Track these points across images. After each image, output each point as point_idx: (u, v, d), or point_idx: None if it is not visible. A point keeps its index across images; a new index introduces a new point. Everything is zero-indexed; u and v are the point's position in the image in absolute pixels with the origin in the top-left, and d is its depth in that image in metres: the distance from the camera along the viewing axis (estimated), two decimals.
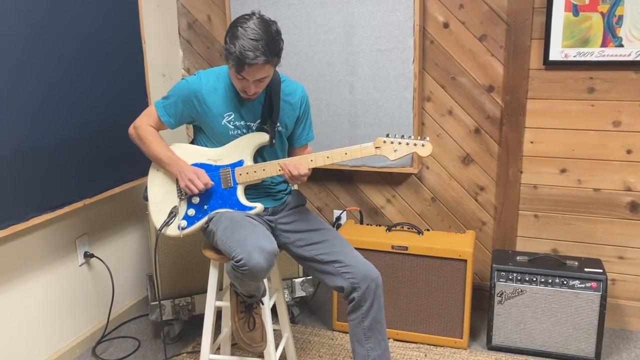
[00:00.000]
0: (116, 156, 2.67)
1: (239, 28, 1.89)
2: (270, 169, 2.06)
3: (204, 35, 3.23)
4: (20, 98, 2.21)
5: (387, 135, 2.02)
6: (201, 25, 3.23)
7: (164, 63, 3.14)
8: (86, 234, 2.71)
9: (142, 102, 2.84)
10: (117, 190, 2.72)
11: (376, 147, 2.01)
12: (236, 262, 1.85)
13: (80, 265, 2.70)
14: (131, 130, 2.19)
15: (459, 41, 2.77)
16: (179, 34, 3.28)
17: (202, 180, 2.06)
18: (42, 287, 2.50)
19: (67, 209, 2.46)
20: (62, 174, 2.41)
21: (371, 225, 2.90)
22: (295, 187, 2.52)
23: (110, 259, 2.84)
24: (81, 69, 2.48)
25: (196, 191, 2.07)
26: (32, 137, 2.27)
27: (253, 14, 1.94)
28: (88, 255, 2.71)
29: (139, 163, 2.79)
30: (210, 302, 2.16)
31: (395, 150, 2.01)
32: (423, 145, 2.00)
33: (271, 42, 1.90)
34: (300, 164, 2.03)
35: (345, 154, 2.02)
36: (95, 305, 2.80)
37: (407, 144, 2.00)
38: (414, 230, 2.76)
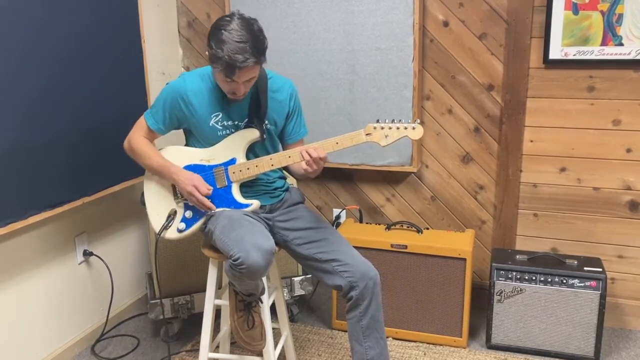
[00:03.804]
0: (115, 154, 2.66)
1: (223, 32, 1.87)
2: (263, 164, 2.06)
3: (203, 34, 3.23)
4: (19, 96, 2.21)
5: (377, 121, 1.98)
6: (201, 24, 3.22)
7: (163, 61, 3.14)
8: (85, 232, 2.71)
9: (141, 101, 2.84)
10: (116, 188, 2.72)
11: (367, 134, 1.98)
12: (234, 260, 1.85)
13: (79, 264, 2.70)
14: (125, 144, 2.19)
15: (458, 40, 2.77)
16: (179, 32, 3.27)
17: (202, 191, 2.03)
18: (41, 286, 2.50)
19: (66, 207, 2.45)
20: (61, 172, 2.41)
21: (370, 224, 2.90)
22: (294, 184, 2.51)
23: (110, 257, 2.84)
24: (80, 68, 2.47)
25: (198, 204, 2.06)
26: (31, 135, 2.27)
27: (233, 14, 1.92)
28: (87, 254, 2.71)
29: None
30: (210, 301, 2.16)
31: (386, 136, 1.97)
32: (414, 128, 1.95)
33: (257, 42, 1.89)
34: (321, 147, 1.99)
35: (337, 143, 1.99)
36: (94, 303, 2.80)
37: (398, 128, 1.96)
38: (413, 229, 2.76)
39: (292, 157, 2.03)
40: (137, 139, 2.15)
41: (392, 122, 1.97)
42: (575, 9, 2.53)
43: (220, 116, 2.08)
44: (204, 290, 2.23)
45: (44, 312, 2.52)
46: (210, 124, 2.08)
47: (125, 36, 2.73)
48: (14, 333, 2.38)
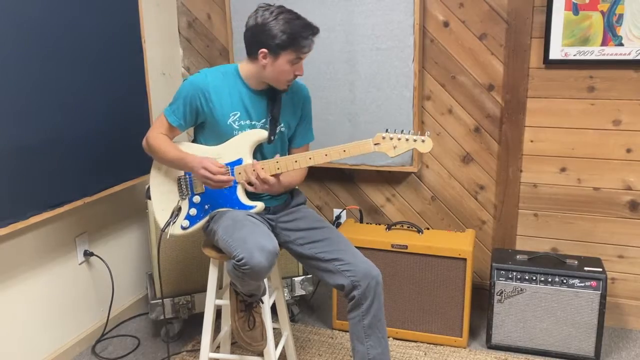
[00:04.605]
0: (116, 154, 2.67)
1: (275, 20, 1.94)
2: (270, 167, 2.05)
3: (203, 34, 3.23)
4: (19, 96, 2.21)
5: (387, 131, 1.96)
6: (201, 24, 3.22)
7: (164, 61, 3.14)
8: (86, 232, 2.71)
9: (142, 101, 2.84)
10: (117, 188, 2.72)
11: (375, 144, 1.97)
12: (237, 261, 1.85)
13: (80, 264, 2.70)
14: (143, 142, 2.17)
15: (459, 40, 2.77)
16: (179, 32, 3.28)
17: (213, 170, 1.99)
18: (42, 286, 2.50)
19: (67, 207, 2.45)
20: (62, 173, 2.41)
21: (371, 224, 2.90)
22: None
23: (110, 257, 2.84)
24: (81, 68, 2.47)
25: (220, 183, 2.03)
26: (32, 135, 2.26)
27: (263, 7, 1.99)
28: (88, 254, 2.71)
29: (139, 161, 2.79)
30: (210, 301, 2.16)
31: (394, 147, 1.96)
32: (423, 141, 1.94)
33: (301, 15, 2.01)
34: (267, 168, 2.00)
35: (344, 151, 1.98)
36: (95, 303, 2.80)
37: (407, 139, 1.94)
38: (413, 229, 2.76)
39: (299, 162, 2.02)
40: (154, 136, 2.12)
41: (401, 133, 1.95)
42: (576, 9, 2.54)
43: (238, 115, 2.07)
44: (204, 290, 2.23)
45: (44, 312, 2.52)
46: (228, 122, 2.07)
47: (126, 36, 2.73)
48: (15, 333, 2.38)
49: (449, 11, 2.76)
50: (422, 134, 1.96)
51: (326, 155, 2.00)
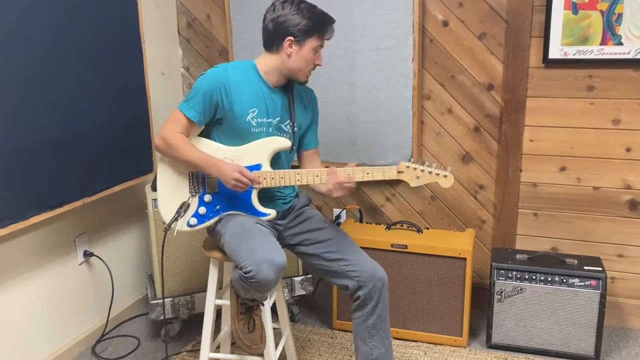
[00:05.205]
0: (116, 155, 2.67)
1: (299, 8, 1.99)
2: (290, 178, 2.03)
3: (203, 34, 3.23)
4: (20, 97, 2.21)
5: (410, 160, 2.01)
6: (200, 24, 3.22)
7: (163, 62, 3.14)
8: (86, 232, 2.71)
9: (141, 101, 2.84)
10: (117, 189, 2.71)
11: (399, 172, 2.01)
12: (245, 273, 1.84)
13: (79, 264, 2.70)
14: (158, 141, 2.06)
15: (458, 39, 2.77)
16: (179, 32, 3.27)
17: (249, 177, 1.97)
18: (42, 286, 2.50)
19: (66, 207, 2.45)
20: (61, 173, 2.41)
21: (371, 223, 2.90)
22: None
23: (110, 257, 2.84)
24: (80, 68, 2.47)
25: (247, 189, 2.02)
26: (32, 135, 2.26)
27: (277, 2, 2.01)
28: (88, 254, 2.71)
29: (139, 161, 2.80)
30: (210, 301, 2.16)
31: (417, 177, 2.00)
32: (445, 176, 1.99)
33: None
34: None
35: (367, 173, 2.01)
36: (94, 304, 2.80)
37: (430, 172, 2.00)
38: (413, 228, 2.76)
39: (320, 176, 2.02)
40: (173, 134, 2.02)
41: (424, 165, 2.01)
42: (575, 8, 2.54)
43: (256, 112, 2.04)
44: (204, 290, 2.23)
45: (44, 312, 2.52)
46: (247, 120, 2.03)
47: (125, 36, 2.73)
48: (15, 333, 2.38)
49: (449, 11, 2.76)
50: (445, 168, 2.01)
51: (349, 175, 2.01)
